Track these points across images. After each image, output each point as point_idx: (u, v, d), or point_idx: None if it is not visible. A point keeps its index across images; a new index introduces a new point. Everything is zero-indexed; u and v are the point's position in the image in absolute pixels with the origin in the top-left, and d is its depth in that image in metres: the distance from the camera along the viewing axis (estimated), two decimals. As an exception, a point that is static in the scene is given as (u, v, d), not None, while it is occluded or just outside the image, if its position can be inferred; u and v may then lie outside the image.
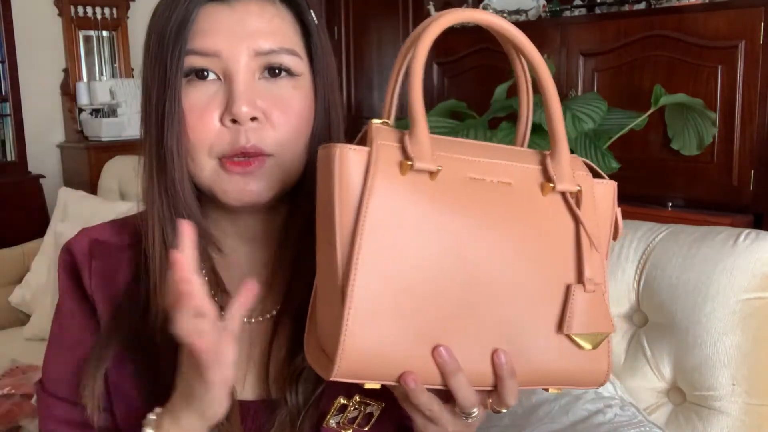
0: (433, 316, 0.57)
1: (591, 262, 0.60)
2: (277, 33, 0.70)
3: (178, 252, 0.57)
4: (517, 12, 3.29)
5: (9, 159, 3.92)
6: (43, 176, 3.95)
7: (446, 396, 0.60)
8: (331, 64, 0.75)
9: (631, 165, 2.46)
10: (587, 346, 0.61)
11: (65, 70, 4.26)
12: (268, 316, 0.76)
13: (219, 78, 0.69)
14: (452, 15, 0.58)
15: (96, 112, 4.27)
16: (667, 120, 2.60)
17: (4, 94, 3.84)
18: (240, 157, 0.68)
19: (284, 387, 0.72)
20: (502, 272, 0.58)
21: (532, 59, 0.60)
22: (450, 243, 0.56)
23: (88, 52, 4.36)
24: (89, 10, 4.31)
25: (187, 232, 0.58)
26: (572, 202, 0.60)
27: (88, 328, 0.76)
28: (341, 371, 0.55)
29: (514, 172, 0.60)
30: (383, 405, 0.73)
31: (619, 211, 0.64)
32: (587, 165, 0.64)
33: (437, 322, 0.57)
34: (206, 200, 0.74)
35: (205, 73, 0.69)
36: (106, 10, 4.37)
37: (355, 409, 0.70)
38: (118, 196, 2.60)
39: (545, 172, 0.60)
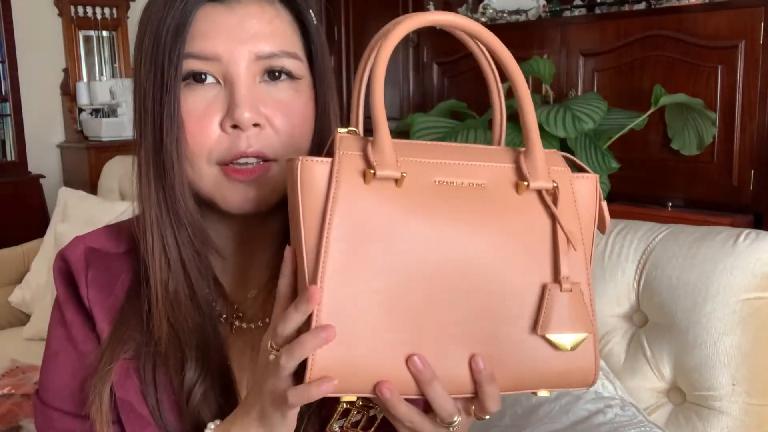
0: (405, 324, 0.55)
1: (568, 260, 0.59)
2: (277, 35, 0.68)
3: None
4: (517, 12, 3.29)
5: (9, 159, 3.93)
6: (43, 176, 3.96)
7: (427, 406, 0.59)
8: (328, 66, 0.74)
9: (631, 165, 2.47)
10: (565, 347, 0.58)
11: (65, 70, 4.27)
12: (268, 320, 0.75)
13: (218, 82, 0.67)
14: (413, 20, 0.56)
15: (96, 112, 4.27)
16: (667, 120, 2.60)
17: (4, 94, 3.84)
18: (240, 163, 0.67)
19: None
20: (476, 276, 0.57)
21: (501, 56, 0.59)
22: (420, 249, 0.55)
23: (88, 52, 4.37)
24: (89, 10, 4.31)
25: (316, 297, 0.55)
26: (548, 199, 0.59)
27: (88, 340, 0.74)
28: (312, 387, 0.54)
29: (487, 173, 0.59)
30: None
31: (605, 204, 0.63)
32: (567, 159, 0.63)
33: (410, 329, 0.55)
34: (203, 204, 0.72)
35: (204, 77, 0.67)
36: (106, 10, 4.37)
37: (358, 412, 0.69)
38: (118, 196, 2.59)
39: (519, 170, 0.59)
